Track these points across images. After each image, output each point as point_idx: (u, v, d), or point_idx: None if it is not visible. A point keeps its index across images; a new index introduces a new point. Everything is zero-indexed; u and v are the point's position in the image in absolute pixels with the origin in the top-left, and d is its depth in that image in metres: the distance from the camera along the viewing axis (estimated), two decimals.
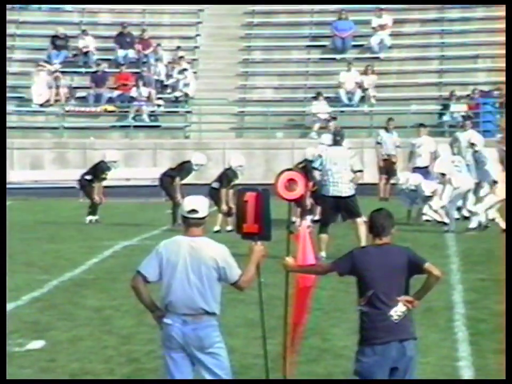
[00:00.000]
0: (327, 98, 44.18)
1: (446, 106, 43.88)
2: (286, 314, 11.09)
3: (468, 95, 44.22)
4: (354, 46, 47.60)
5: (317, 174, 24.88)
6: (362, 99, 45.28)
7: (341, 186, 23.57)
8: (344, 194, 23.51)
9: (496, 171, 28.32)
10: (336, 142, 24.95)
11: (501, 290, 19.67)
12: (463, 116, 42.51)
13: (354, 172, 23.90)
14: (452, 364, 14.19)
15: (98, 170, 31.07)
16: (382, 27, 47.36)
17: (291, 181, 11.31)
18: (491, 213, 27.71)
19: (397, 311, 10.48)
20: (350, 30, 47.66)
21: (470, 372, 13.95)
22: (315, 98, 43.94)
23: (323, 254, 22.10)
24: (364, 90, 45.29)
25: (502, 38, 46.95)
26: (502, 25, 47.31)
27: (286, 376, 11.15)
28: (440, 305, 17.09)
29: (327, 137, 37.44)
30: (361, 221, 22.77)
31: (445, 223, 27.92)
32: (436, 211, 28.32)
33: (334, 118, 40.09)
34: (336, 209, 23.80)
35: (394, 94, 45.08)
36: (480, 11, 48.25)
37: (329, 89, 45.05)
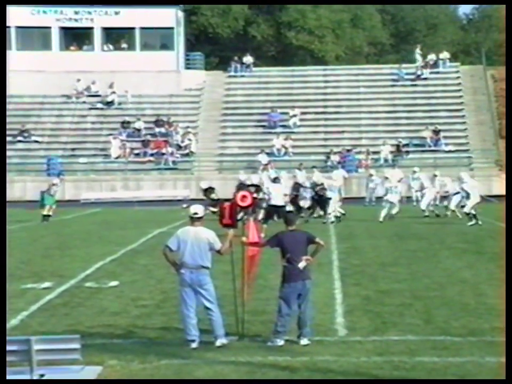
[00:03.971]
0: (267, 153, 44.16)
1: (328, 157, 43.97)
2: (243, 268, 11.03)
3: (340, 151, 44.31)
4: (281, 125, 47.45)
5: (265, 196, 25.18)
6: (285, 153, 45.20)
7: (278, 200, 23.74)
8: (279, 204, 23.68)
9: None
10: (275, 182, 25.68)
11: (356, 251, 19.64)
12: (337, 162, 42.77)
13: (285, 195, 24.56)
14: (331, 292, 14.11)
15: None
16: (295, 116, 47.45)
17: (244, 196, 11.35)
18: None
19: (302, 265, 10.58)
20: (278, 117, 47.65)
21: (340, 294, 13.87)
22: (260, 152, 43.93)
23: (262, 235, 21.73)
24: (286, 148, 45.34)
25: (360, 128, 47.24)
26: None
27: (244, 301, 11.05)
28: (325, 261, 16.95)
29: (267, 173, 37.45)
30: None
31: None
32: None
33: (270, 163, 40.27)
34: (274, 212, 23.74)
35: (302, 150, 45.11)
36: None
37: (268, 147, 45.01)
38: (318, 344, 10.49)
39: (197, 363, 9.80)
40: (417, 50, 52.91)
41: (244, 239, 10.97)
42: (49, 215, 29.11)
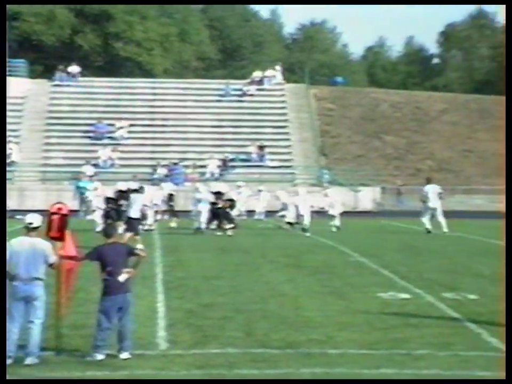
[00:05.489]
0: (93, 164, 43.32)
1: (155, 170, 43.86)
2: (60, 281, 10.70)
3: (167, 164, 44.28)
4: (108, 137, 46.95)
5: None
6: (112, 165, 44.54)
7: (134, 213, 22.73)
8: (134, 217, 22.68)
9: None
10: (139, 191, 24.40)
11: (181, 264, 19.61)
12: (165, 175, 42.83)
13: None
14: (154, 305, 13.93)
15: None
16: (122, 127, 47.17)
17: (59, 209, 10.98)
18: None
19: (122, 278, 10.49)
20: (104, 128, 47.28)
21: (163, 308, 13.72)
22: (86, 163, 43.08)
23: (141, 246, 19.40)
24: (112, 160, 44.83)
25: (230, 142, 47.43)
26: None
27: (62, 315, 10.78)
28: (149, 274, 16.86)
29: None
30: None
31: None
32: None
33: (95, 174, 39.53)
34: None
35: (129, 162, 44.60)
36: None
37: (94, 159, 44.25)
38: (139, 358, 10.42)
39: (11, 380, 9.47)
40: (277, 67, 53.66)
41: (61, 252, 10.70)
42: None
